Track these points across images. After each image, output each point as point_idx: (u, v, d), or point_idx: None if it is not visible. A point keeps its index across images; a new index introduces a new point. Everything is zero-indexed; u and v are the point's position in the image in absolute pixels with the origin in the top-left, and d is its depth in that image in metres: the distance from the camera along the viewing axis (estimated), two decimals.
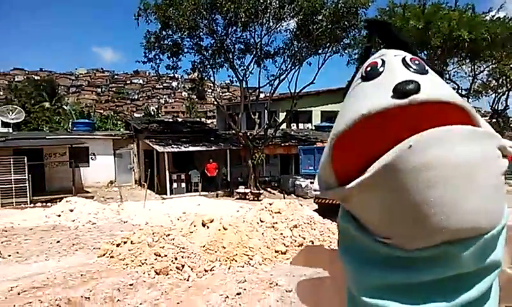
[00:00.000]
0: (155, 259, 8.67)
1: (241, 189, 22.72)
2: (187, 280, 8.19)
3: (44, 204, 18.53)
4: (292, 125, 32.20)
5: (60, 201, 16.44)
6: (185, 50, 24.01)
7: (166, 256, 8.67)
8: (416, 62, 0.53)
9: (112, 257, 9.49)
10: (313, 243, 10.39)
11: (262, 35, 23.33)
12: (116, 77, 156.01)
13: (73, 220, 14.24)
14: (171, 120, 38.16)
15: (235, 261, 9.19)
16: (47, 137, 24.11)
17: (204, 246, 9.44)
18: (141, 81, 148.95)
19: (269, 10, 21.78)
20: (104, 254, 9.75)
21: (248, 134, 24.34)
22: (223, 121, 32.94)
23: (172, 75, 26.81)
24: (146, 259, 8.75)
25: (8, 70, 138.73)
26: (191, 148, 24.02)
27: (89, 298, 7.12)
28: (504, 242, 0.51)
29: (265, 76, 25.23)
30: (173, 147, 23.38)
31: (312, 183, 19.01)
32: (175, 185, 23.07)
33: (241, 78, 24.29)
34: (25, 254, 10.46)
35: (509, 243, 0.57)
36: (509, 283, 0.49)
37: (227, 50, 23.76)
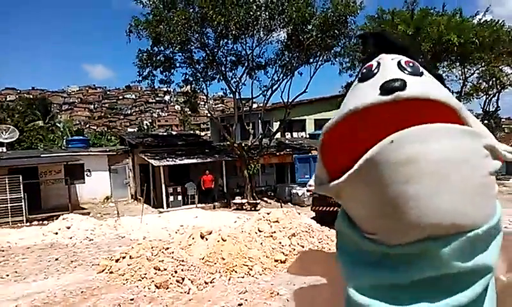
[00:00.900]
0: (155, 273, 8.67)
1: (238, 200, 22.71)
2: (188, 293, 8.19)
3: (41, 222, 18.42)
4: (286, 134, 32.30)
5: (57, 218, 16.38)
6: (177, 64, 24.16)
7: (165, 269, 8.68)
8: (411, 64, 0.56)
9: (111, 273, 9.48)
10: (311, 250, 10.43)
11: (253, 47, 23.53)
12: (108, 93, 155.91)
13: (71, 238, 14.18)
14: (165, 134, 38.19)
15: (235, 272, 9.20)
16: (42, 155, 24.06)
17: (203, 258, 9.45)
18: (133, 96, 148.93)
19: (259, 22, 21.94)
20: (103, 270, 9.73)
21: (243, 145, 24.40)
22: (217, 132, 33.01)
23: (165, 89, 26.89)
24: (145, 274, 8.74)
25: None
26: (186, 161, 24.02)
27: None
28: (498, 247, 0.51)
29: (257, 87, 25.32)
30: (168, 160, 23.38)
31: (308, 191, 19.07)
32: (171, 198, 23.03)
33: (234, 89, 24.41)
34: (24, 273, 10.41)
35: (504, 250, 0.54)
36: (504, 292, 0.49)
37: (219, 62, 23.90)
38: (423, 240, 0.47)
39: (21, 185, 19.34)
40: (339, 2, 21.42)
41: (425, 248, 0.47)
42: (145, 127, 67.65)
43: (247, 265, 9.43)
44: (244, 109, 25.76)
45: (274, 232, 10.90)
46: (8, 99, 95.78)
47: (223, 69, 24.13)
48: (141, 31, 21.77)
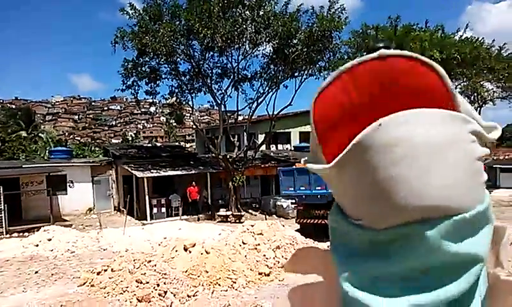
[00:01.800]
0: (137, 286, 8.56)
1: (222, 212, 22.63)
2: (170, 306, 8.10)
3: (21, 234, 18.09)
4: (271, 146, 32.41)
5: (38, 230, 16.10)
6: (163, 75, 24.14)
7: (147, 282, 8.57)
8: None
9: (92, 286, 9.33)
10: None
11: (239, 59, 23.67)
12: (93, 103, 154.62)
13: (52, 250, 13.93)
14: (149, 145, 37.99)
15: (219, 285, 9.14)
16: (24, 165, 23.71)
17: (186, 271, 9.37)
18: (118, 107, 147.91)
19: (245, 35, 22.10)
20: (84, 283, 9.58)
21: (228, 157, 24.40)
22: (202, 144, 32.97)
23: (150, 100, 26.83)
24: (127, 287, 8.63)
25: None
26: (171, 173, 23.90)
27: None
28: (488, 238, 0.51)
29: (243, 99, 25.39)
30: (152, 172, 23.23)
31: (293, 203, 19.11)
32: (155, 210, 22.86)
33: (219, 102, 24.46)
34: (2, 286, 10.18)
35: (494, 245, 0.54)
36: (492, 286, 0.49)
37: (205, 74, 23.96)
38: (409, 223, 0.47)
39: (1, 196, 19.01)
40: (324, 18, 21.72)
41: (411, 231, 0.47)
42: (130, 138, 67.17)
43: (230, 278, 9.37)
44: (230, 121, 25.80)
45: (259, 244, 10.88)
46: None
47: (209, 81, 24.20)
48: (126, 42, 21.74)
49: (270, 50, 23.56)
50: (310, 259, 0.71)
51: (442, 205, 0.46)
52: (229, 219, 21.69)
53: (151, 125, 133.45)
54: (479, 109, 33.25)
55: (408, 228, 0.47)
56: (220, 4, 20.54)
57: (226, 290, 9.01)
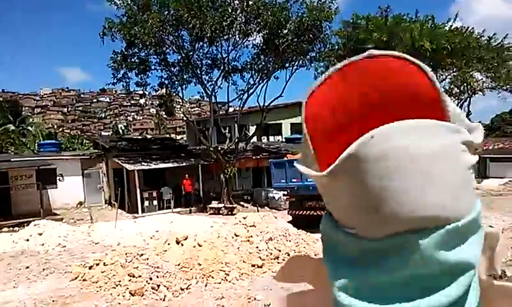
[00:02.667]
0: (130, 280, 8.52)
1: (214, 204, 22.61)
2: (164, 300, 8.08)
3: (11, 229, 17.92)
4: (262, 137, 32.37)
5: (28, 224, 15.96)
6: (153, 66, 23.93)
7: (140, 276, 8.54)
8: None
9: (84, 280, 9.27)
10: (289, 255, 10.44)
11: (229, 50, 23.53)
12: (82, 95, 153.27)
13: (43, 244, 13.82)
14: (140, 137, 37.77)
15: (212, 277, 9.12)
16: (12, 159, 23.42)
17: (179, 264, 9.34)
18: (108, 99, 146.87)
19: (234, 25, 21.94)
20: (76, 278, 9.52)
21: (219, 148, 24.33)
22: (193, 136, 32.80)
23: (140, 92, 26.63)
24: (120, 281, 8.58)
25: None
26: (162, 165, 23.79)
27: None
28: (480, 244, 0.51)
29: (234, 90, 25.29)
30: (143, 165, 23.10)
31: (285, 195, 19.13)
32: (146, 203, 22.77)
33: (210, 93, 24.34)
34: None
35: (487, 250, 0.56)
36: (483, 292, 0.50)
37: (194, 65, 23.78)
38: (401, 233, 0.47)
39: None
40: (314, 8, 21.63)
41: (403, 241, 0.47)
42: (120, 131, 66.81)
43: (224, 271, 9.36)
44: (220, 112, 25.71)
45: (251, 236, 10.88)
46: None
47: (199, 72, 24.04)
48: (115, 33, 21.49)
49: (260, 40, 23.46)
50: (301, 268, 0.72)
51: (434, 216, 0.48)
52: (221, 212, 21.67)
53: (141, 117, 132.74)
54: (468, 99, 33.51)
55: (400, 238, 0.48)
56: None
57: (220, 283, 9.00)
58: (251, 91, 24.71)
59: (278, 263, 10.13)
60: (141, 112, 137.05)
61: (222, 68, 24.06)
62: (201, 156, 25.77)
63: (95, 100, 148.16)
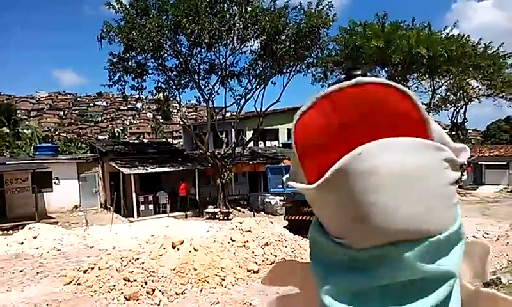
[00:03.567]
0: (124, 284, 8.48)
1: (210, 209, 22.56)
2: (158, 305, 8.05)
3: (5, 232, 17.80)
4: (259, 143, 32.38)
5: (22, 228, 15.87)
6: (150, 71, 23.94)
7: (135, 280, 8.50)
8: None
9: (79, 284, 9.22)
10: (285, 260, 10.41)
11: (227, 55, 23.56)
12: (78, 99, 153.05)
13: (37, 248, 13.75)
14: (136, 141, 37.71)
15: (207, 282, 9.09)
16: (8, 162, 23.32)
17: (175, 269, 9.30)
18: (104, 103, 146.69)
19: (232, 31, 22.02)
20: (71, 282, 9.46)
21: (216, 153, 24.31)
22: (189, 141, 32.80)
23: (137, 96, 26.59)
24: (115, 285, 8.54)
25: None
26: (158, 169, 23.75)
27: None
28: (460, 253, 0.54)
29: (231, 95, 25.30)
30: (139, 169, 23.05)
31: (281, 200, 19.11)
32: (142, 207, 22.69)
33: (207, 98, 24.36)
34: None
35: (469, 258, 0.60)
36: (469, 299, 0.53)
37: (192, 70, 23.80)
38: (387, 244, 0.50)
39: None
40: (311, 14, 21.73)
41: (389, 252, 0.50)
42: (116, 134, 66.70)
43: (219, 276, 9.33)
44: (217, 117, 25.72)
45: (247, 241, 10.85)
46: None
47: (196, 77, 24.05)
48: (112, 37, 21.50)
49: (258, 46, 23.51)
50: (288, 273, 0.76)
51: (416, 229, 0.50)
52: (217, 216, 21.62)
53: (137, 121, 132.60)
54: (464, 106, 33.62)
55: (384, 249, 0.51)
56: (207, 0, 20.42)
57: (215, 288, 8.97)
58: (249, 96, 24.75)
59: None
60: (137, 116, 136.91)
61: (219, 73, 24.10)
62: (198, 160, 25.75)
63: (91, 104, 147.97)
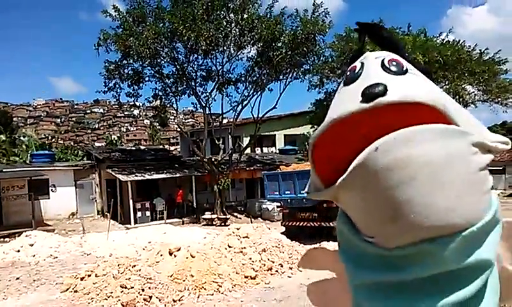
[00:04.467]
0: (122, 291, 8.46)
1: (208, 215, 22.53)
2: None
3: (2, 239, 17.74)
4: (256, 149, 32.40)
5: (19, 235, 15.81)
6: (147, 78, 23.97)
7: (132, 287, 8.47)
8: (394, 63, 0.56)
9: (76, 291, 9.20)
10: (282, 266, 10.42)
11: (224, 62, 23.63)
12: (75, 106, 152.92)
13: (34, 255, 13.69)
14: (133, 148, 37.62)
15: (205, 289, 9.08)
16: (4, 170, 23.26)
17: (172, 275, 9.29)
18: (101, 110, 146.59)
19: (229, 38, 22.10)
20: (68, 289, 9.43)
21: (213, 160, 24.32)
22: (186, 147, 32.78)
23: (133, 103, 26.59)
24: (112, 292, 8.52)
25: None
26: (155, 176, 23.73)
27: None
28: (497, 239, 0.52)
29: (228, 102, 25.35)
30: (136, 175, 23.02)
31: (278, 207, 19.10)
32: (139, 214, 22.64)
33: (204, 104, 24.39)
34: None
35: (507, 239, 0.56)
36: (509, 281, 0.51)
37: (189, 77, 23.86)
38: (420, 242, 0.48)
39: None
40: (308, 21, 21.84)
41: (422, 250, 0.48)
42: (113, 141, 66.65)
43: (216, 282, 9.32)
44: (214, 124, 25.74)
45: (244, 248, 10.84)
46: None
47: (193, 84, 24.12)
48: (110, 44, 21.54)
49: (254, 53, 23.60)
50: (321, 258, 0.75)
51: (449, 224, 0.47)
52: (214, 223, 21.59)
53: (134, 128, 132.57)
54: None
55: (419, 247, 0.48)
56: (204, 7, 20.50)
57: (212, 294, 8.96)
58: (245, 102, 24.84)
59: (271, 274, 10.10)
60: (134, 123, 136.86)
61: (216, 79, 24.15)
62: (195, 167, 25.74)
63: (88, 111, 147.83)
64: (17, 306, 8.89)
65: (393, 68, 0.56)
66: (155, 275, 8.97)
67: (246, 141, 28.11)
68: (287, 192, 16.12)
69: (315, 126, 30.74)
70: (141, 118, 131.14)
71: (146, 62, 22.53)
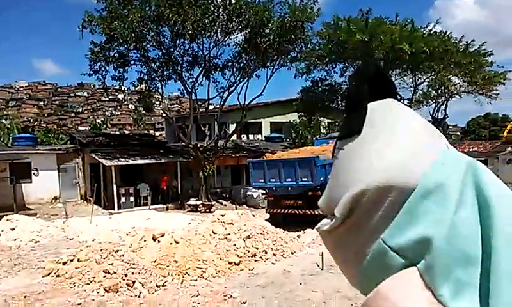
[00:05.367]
0: (104, 276, 8.39)
1: (192, 201, 22.49)
2: (139, 297, 7.99)
3: None
4: (242, 136, 32.37)
5: (0, 219, 15.58)
6: (132, 61, 23.65)
7: (115, 272, 8.41)
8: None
9: (58, 276, 9.10)
10: (266, 253, 10.46)
11: (211, 47, 23.43)
12: (59, 89, 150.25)
13: (15, 240, 13.51)
14: (117, 133, 37.28)
15: (188, 274, 9.07)
16: None
17: (155, 261, 9.26)
18: (85, 94, 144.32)
19: (216, 23, 21.88)
20: (49, 274, 9.34)
21: (199, 146, 24.21)
22: (172, 133, 32.58)
23: (118, 87, 26.24)
24: (94, 277, 8.44)
25: None
26: (140, 161, 23.55)
27: None
28: None
29: (214, 88, 25.20)
30: (120, 160, 22.82)
31: (263, 194, 19.12)
32: (123, 199, 22.48)
33: (190, 90, 24.20)
34: None
35: None
36: None
37: (175, 62, 23.62)
38: None
39: None
40: (296, 8, 21.73)
41: None
42: (97, 126, 66.02)
43: (200, 268, 9.31)
44: (200, 110, 25.59)
45: (229, 234, 10.84)
46: None
47: (179, 69, 23.88)
48: (94, 27, 21.15)
49: (242, 39, 23.45)
50: None
51: None
52: (199, 209, 21.57)
53: (119, 113, 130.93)
54: (445, 102, 34.02)
55: None
56: None
57: (196, 280, 8.95)
58: (232, 89, 24.74)
59: (255, 261, 10.13)
60: (119, 107, 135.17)
61: (203, 65, 23.96)
62: (180, 153, 25.60)
63: (72, 94, 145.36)
64: None
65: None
66: (139, 261, 8.93)
67: (232, 127, 28.05)
68: (272, 180, 16.15)
69: (302, 114, 30.86)
70: (125, 103, 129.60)
71: (132, 46, 22.21)
